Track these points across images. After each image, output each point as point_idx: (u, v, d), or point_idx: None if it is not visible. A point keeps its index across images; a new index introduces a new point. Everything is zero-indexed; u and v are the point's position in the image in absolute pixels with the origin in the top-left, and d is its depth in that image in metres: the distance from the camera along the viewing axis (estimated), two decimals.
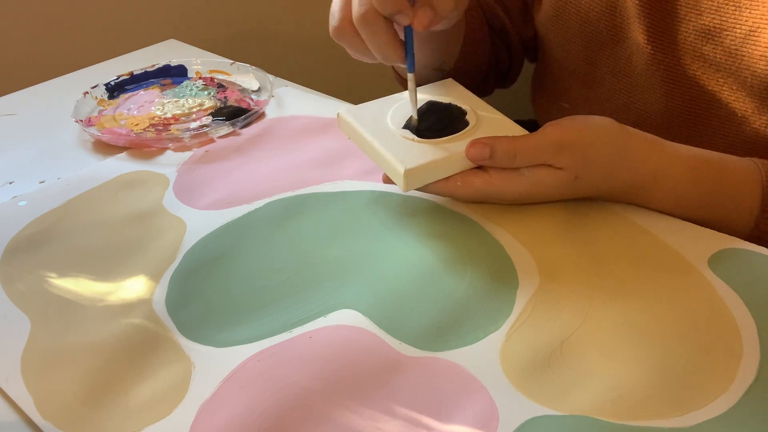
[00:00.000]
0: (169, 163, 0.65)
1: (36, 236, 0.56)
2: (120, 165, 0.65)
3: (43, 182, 0.63)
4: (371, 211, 0.58)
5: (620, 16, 0.67)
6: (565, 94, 0.77)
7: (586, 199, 0.56)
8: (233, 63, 0.81)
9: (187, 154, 0.66)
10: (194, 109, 0.73)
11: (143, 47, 0.89)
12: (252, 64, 0.80)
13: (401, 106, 0.59)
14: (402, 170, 0.52)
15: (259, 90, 0.78)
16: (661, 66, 0.66)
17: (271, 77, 0.78)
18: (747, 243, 0.53)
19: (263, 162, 0.65)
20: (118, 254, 0.54)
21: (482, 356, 0.44)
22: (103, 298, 0.50)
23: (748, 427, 0.40)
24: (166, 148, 0.68)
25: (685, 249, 0.52)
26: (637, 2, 0.65)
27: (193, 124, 0.71)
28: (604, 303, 0.48)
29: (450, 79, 0.62)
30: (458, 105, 0.59)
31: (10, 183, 0.64)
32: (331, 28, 0.55)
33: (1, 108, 0.76)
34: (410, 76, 0.56)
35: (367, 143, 0.56)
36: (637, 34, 0.66)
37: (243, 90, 0.78)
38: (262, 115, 0.73)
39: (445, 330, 0.46)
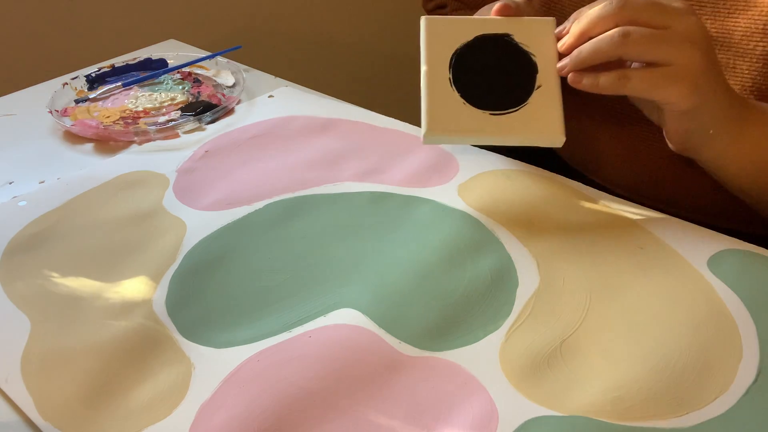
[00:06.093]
0: (170, 164, 0.65)
1: (36, 236, 0.56)
2: (120, 165, 0.65)
3: (43, 182, 0.63)
4: (371, 211, 0.58)
5: None
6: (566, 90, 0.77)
7: (587, 200, 0.57)
8: (212, 58, 0.81)
9: (187, 155, 0.66)
10: (165, 103, 0.74)
11: (143, 47, 0.89)
12: (251, 64, 0.80)
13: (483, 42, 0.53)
14: (423, 131, 0.52)
15: (234, 86, 0.78)
16: None
17: (244, 71, 0.78)
18: (747, 243, 0.53)
19: (263, 162, 0.65)
20: (118, 254, 0.54)
21: (482, 356, 0.44)
22: (103, 299, 0.50)
23: (748, 427, 0.40)
24: (131, 142, 0.68)
25: (685, 249, 0.52)
26: None
27: (161, 119, 0.72)
28: (604, 303, 0.48)
29: (551, 18, 0.53)
30: (534, 58, 0.52)
31: (10, 183, 0.64)
32: None
33: (1, 108, 0.77)
34: None
35: (421, 70, 0.53)
36: None
37: (217, 85, 0.78)
38: (230, 111, 0.73)
39: (445, 330, 0.46)
